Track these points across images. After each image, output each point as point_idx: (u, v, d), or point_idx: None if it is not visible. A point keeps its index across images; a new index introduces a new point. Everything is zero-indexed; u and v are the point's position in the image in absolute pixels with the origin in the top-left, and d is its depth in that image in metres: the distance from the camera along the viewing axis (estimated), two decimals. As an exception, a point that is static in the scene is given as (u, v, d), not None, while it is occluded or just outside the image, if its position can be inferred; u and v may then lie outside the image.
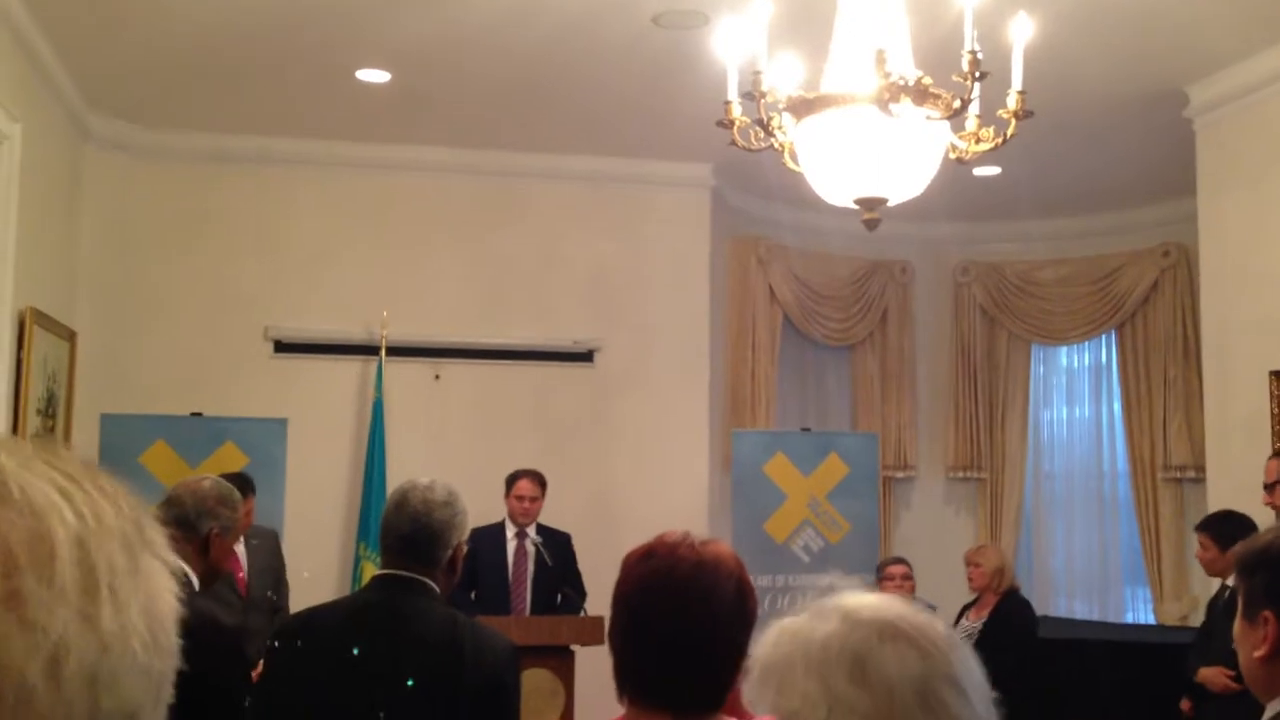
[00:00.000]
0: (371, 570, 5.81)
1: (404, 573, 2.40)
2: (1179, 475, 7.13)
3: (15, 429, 4.76)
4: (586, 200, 6.78)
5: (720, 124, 3.28)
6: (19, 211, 4.76)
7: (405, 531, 2.41)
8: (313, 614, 2.49)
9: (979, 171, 6.28)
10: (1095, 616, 7.43)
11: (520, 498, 5.50)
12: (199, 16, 4.82)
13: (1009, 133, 3.16)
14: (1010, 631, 5.27)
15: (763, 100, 3.11)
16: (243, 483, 4.25)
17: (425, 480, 2.49)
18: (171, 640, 0.64)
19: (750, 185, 6.91)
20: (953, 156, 3.25)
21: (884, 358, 7.82)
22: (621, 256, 6.79)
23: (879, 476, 6.92)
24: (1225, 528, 4.64)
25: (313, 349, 6.45)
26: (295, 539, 5.56)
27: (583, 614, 5.11)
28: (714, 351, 7.03)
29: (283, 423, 5.85)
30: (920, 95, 2.95)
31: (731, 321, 7.36)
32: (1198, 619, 5.82)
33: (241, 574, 4.85)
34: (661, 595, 1.62)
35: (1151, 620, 7.22)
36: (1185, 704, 4.74)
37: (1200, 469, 6.56)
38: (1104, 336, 7.69)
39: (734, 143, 3.31)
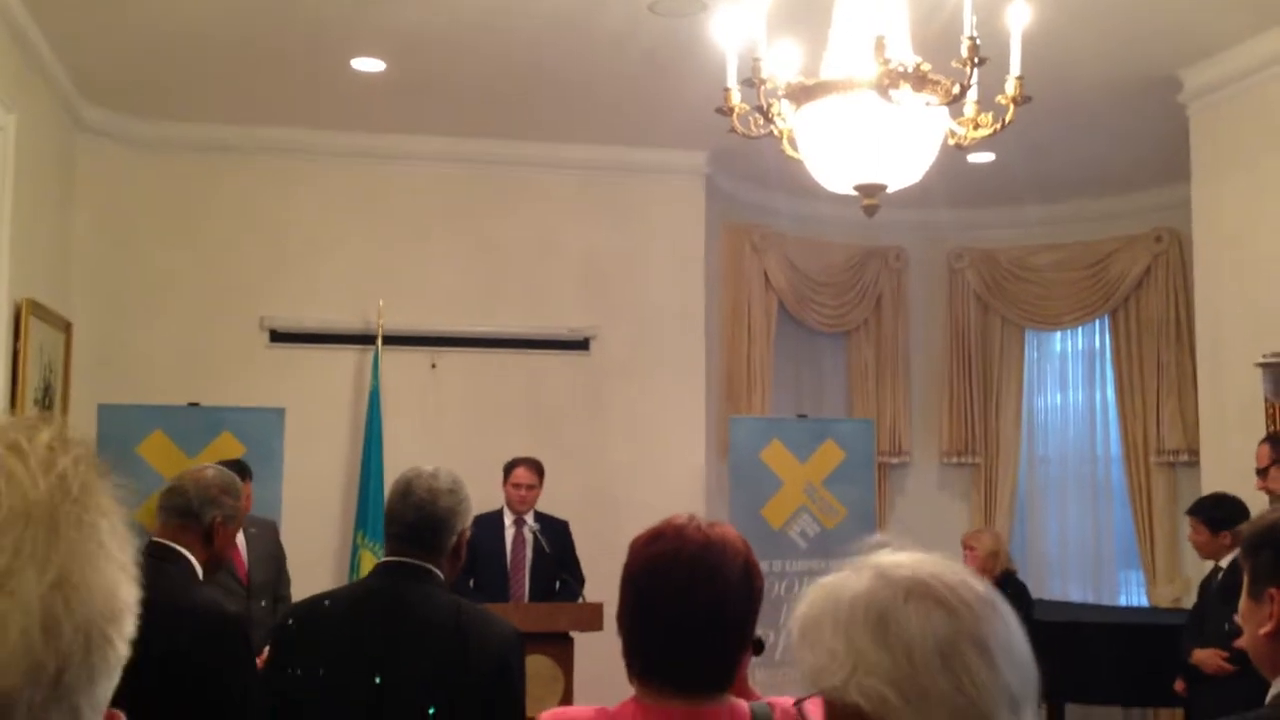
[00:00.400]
0: (370, 559, 5.83)
1: (409, 560, 2.40)
2: (1171, 459, 7.17)
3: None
4: (582, 188, 6.78)
5: (720, 111, 3.28)
6: (13, 202, 4.75)
7: (410, 519, 2.40)
8: (318, 600, 2.49)
9: (973, 158, 6.28)
10: (1089, 599, 7.47)
11: (518, 485, 5.51)
12: (193, 6, 4.81)
13: (1007, 118, 3.17)
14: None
15: (762, 87, 3.12)
16: (239, 469, 4.28)
17: (429, 468, 2.48)
18: (90, 607, 0.65)
19: (745, 172, 6.91)
20: (951, 142, 3.26)
21: (879, 344, 7.84)
22: (617, 244, 6.79)
23: (874, 462, 6.94)
24: (1217, 511, 4.68)
25: (309, 338, 6.45)
26: (293, 528, 5.56)
27: (581, 600, 5.13)
28: (710, 338, 7.04)
29: (280, 412, 5.85)
30: (919, 81, 2.96)
31: (727, 308, 7.37)
32: (1190, 601, 5.87)
33: (242, 562, 4.87)
34: (669, 576, 1.63)
35: (1144, 603, 7.27)
36: (1179, 685, 4.78)
37: (1193, 453, 6.60)
38: (1097, 322, 7.72)
39: (734, 129, 3.31)
